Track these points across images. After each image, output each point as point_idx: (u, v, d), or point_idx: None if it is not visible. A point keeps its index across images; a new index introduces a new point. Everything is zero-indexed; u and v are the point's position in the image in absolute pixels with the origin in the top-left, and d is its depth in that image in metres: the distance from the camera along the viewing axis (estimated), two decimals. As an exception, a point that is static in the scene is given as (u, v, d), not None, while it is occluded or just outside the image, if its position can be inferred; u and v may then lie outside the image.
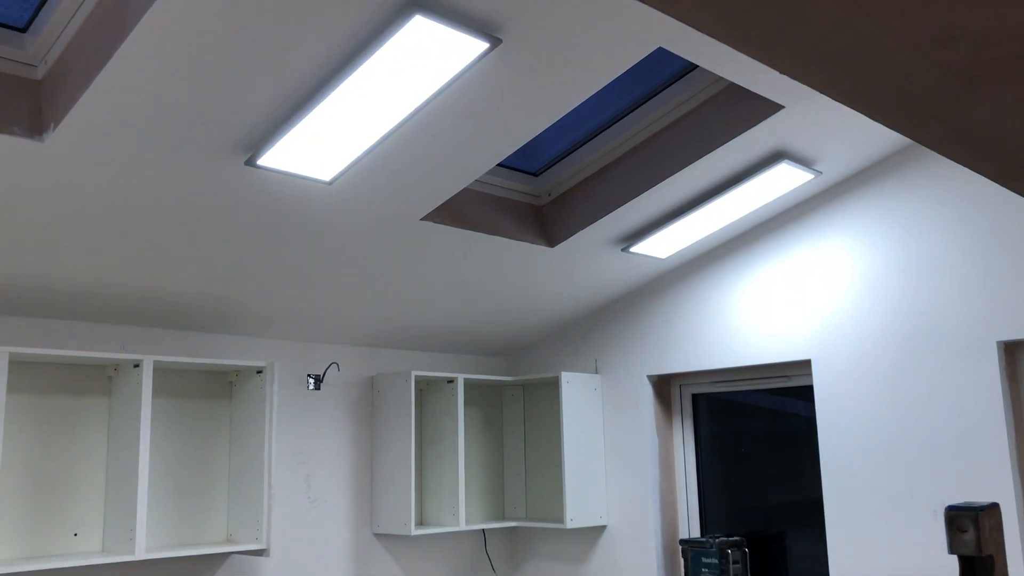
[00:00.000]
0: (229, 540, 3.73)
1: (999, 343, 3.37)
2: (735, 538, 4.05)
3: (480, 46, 2.33)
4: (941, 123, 1.14)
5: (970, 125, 1.14)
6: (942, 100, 1.06)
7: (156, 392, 3.62)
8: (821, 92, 1.05)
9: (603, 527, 4.49)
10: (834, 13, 0.82)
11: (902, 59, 0.94)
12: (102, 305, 3.36)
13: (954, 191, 3.53)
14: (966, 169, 2.90)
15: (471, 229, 3.47)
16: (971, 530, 1.00)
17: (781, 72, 0.98)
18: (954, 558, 2.96)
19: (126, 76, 2.23)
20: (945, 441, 3.45)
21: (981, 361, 3.38)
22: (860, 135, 3.44)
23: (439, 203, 3.20)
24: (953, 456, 3.42)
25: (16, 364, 3.29)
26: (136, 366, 3.35)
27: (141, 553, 3.21)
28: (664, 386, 4.51)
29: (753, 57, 0.91)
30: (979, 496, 3.34)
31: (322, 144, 2.63)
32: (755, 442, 4.29)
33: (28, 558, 3.18)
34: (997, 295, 3.37)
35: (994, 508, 1.08)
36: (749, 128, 3.19)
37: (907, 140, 3.66)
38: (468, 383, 4.65)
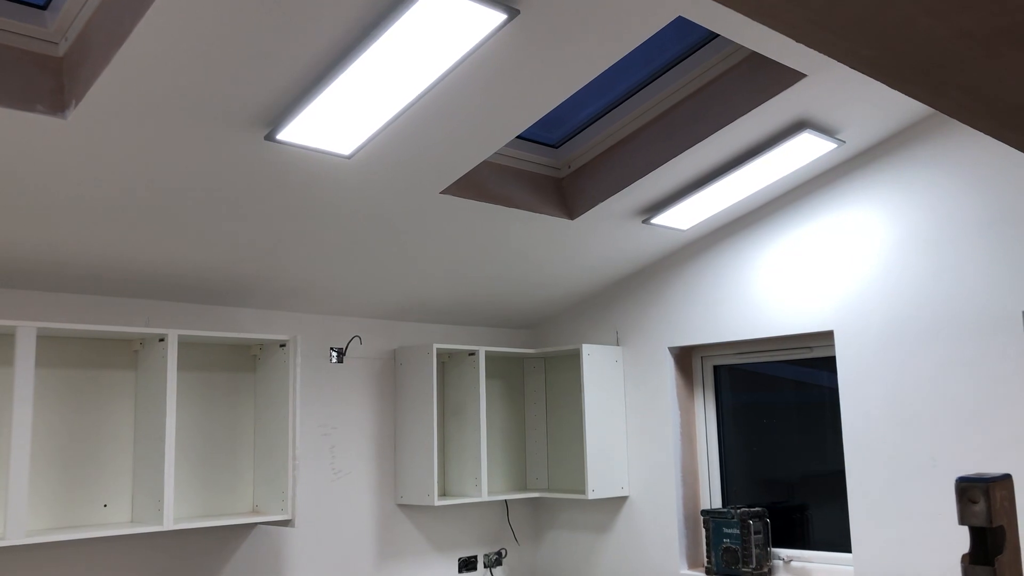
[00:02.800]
0: (255, 511, 3.79)
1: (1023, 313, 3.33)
2: (756, 509, 4.06)
3: (498, 17, 2.32)
4: (962, 91, 1.12)
5: (992, 93, 1.12)
6: (963, 67, 1.04)
7: (181, 365, 3.67)
8: (839, 61, 1.04)
9: (625, 498, 4.51)
10: (851, -20, 0.80)
11: (921, 25, 0.92)
12: (127, 280, 3.40)
13: (978, 160, 3.48)
14: (990, 138, 2.86)
15: (491, 202, 3.47)
16: (982, 501, 1.00)
17: (798, 41, 0.97)
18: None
19: (146, 52, 2.24)
20: (968, 412, 3.43)
21: (1005, 331, 3.36)
22: (884, 104, 3.40)
23: (458, 176, 3.20)
24: (975, 427, 3.40)
25: (44, 339, 3.34)
26: (161, 340, 3.39)
27: (169, 524, 3.27)
28: (685, 358, 4.51)
29: (769, 27, 0.90)
30: (1001, 467, 3.33)
31: (341, 118, 2.63)
32: (777, 413, 4.28)
33: (59, 528, 3.25)
34: (1021, 266, 3.34)
35: (1006, 479, 1.08)
36: (771, 97, 3.16)
37: (931, 109, 3.61)
38: (490, 355, 4.67)
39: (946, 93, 1.13)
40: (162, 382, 3.35)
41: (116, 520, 3.44)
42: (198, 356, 3.74)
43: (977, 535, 1.06)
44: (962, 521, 1.04)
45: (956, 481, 1.06)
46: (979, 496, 1.01)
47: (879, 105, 3.40)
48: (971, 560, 1.06)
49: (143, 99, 2.41)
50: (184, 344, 3.68)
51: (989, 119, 1.23)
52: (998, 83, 1.05)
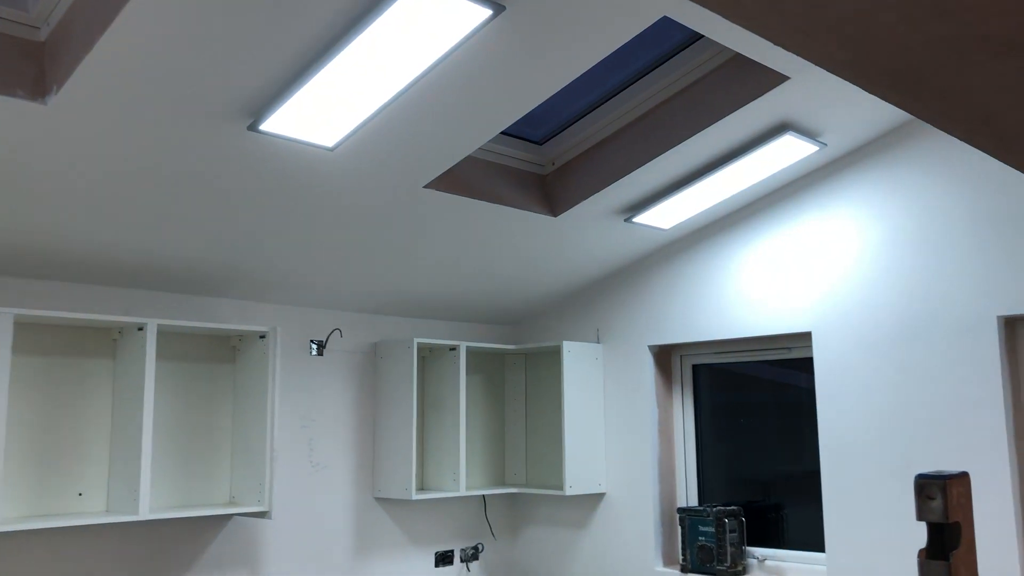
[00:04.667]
0: (232, 502, 3.78)
1: (999, 318, 3.37)
2: (732, 507, 4.09)
3: (483, 13, 2.32)
4: (938, 97, 1.14)
5: (966, 99, 1.14)
6: (938, 73, 1.06)
7: (160, 355, 3.66)
8: (817, 64, 1.05)
9: (602, 494, 4.53)
10: (827, -15, 0.81)
11: (898, 32, 0.94)
12: (107, 268, 3.38)
13: (958, 165, 3.52)
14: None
15: (474, 197, 3.47)
16: (939, 497, 1.03)
17: (776, 44, 0.98)
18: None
19: (129, 39, 2.23)
20: (943, 415, 3.46)
21: (981, 336, 3.39)
22: (866, 107, 3.43)
23: (442, 171, 3.20)
24: (951, 430, 3.44)
25: (21, 326, 3.32)
26: (140, 329, 3.38)
27: (145, 513, 3.25)
28: (665, 356, 4.53)
29: (747, 29, 0.92)
30: (975, 469, 3.37)
31: (325, 110, 2.63)
32: (754, 413, 4.31)
33: (33, 517, 3.23)
34: (998, 270, 3.38)
35: (963, 476, 1.10)
36: (754, 99, 3.18)
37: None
38: (470, 351, 4.68)
39: (921, 98, 1.14)
40: (140, 371, 3.34)
41: (91, 509, 3.42)
42: (177, 346, 3.72)
43: (934, 531, 1.08)
44: (920, 517, 1.06)
45: (915, 478, 1.08)
46: (936, 492, 1.04)
47: (861, 108, 3.43)
48: (928, 555, 1.08)
49: (125, 86, 2.40)
50: (163, 334, 3.67)
51: (964, 125, 1.24)
52: (972, 90, 1.06)
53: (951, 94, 1.09)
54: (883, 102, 3.40)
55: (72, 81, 2.34)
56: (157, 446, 3.62)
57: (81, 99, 2.42)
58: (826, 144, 3.64)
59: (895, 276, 3.64)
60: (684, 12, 2.55)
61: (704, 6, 0.80)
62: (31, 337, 3.35)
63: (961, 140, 1.25)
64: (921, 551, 1.04)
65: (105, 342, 3.52)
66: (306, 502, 4.05)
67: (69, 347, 3.44)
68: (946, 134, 3.69)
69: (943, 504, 1.01)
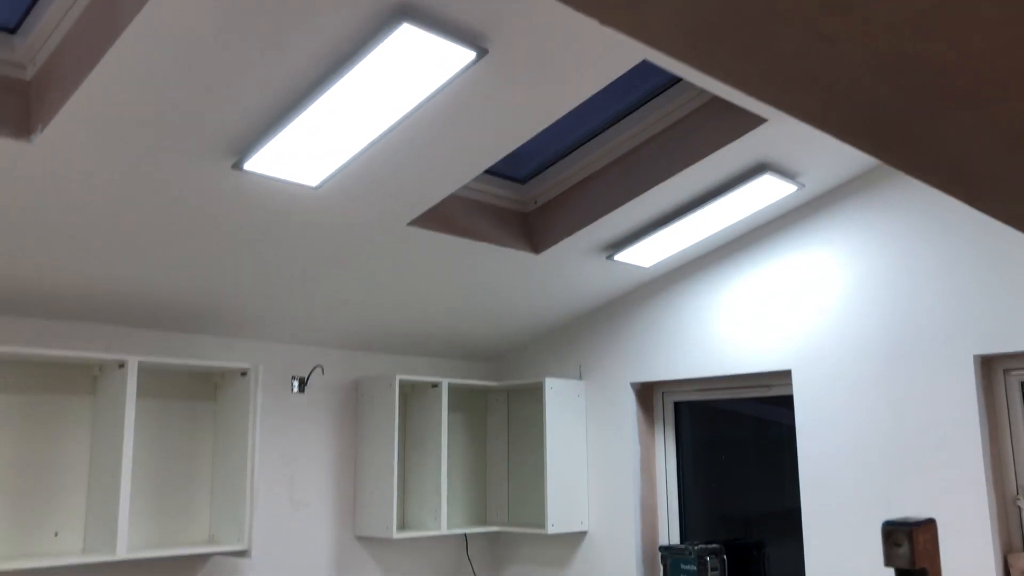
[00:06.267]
0: (211, 541, 3.74)
1: (976, 356, 3.41)
2: (714, 545, 4.08)
3: (467, 55, 2.36)
4: (907, 146, 1.17)
5: (935, 149, 1.17)
6: (906, 124, 1.09)
7: (140, 393, 3.63)
8: (788, 113, 1.08)
9: (584, 533, 4.51)
10: (797, 40, 0.85)
11: (865, 84, 0.97)
12: (88, 305, 3.37)
13: (934, 206, 3.58)
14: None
15: (457, 235, 3.49)
16: (905, 544, 1.05)
17: (748, 95, 1.01)
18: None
19: (115, 79, 2.24)
20: (922, 453, 3.49)
21: (958, 374, 3.43)
22: (842, 148, 3.49)
23: (426, 208, 3.22)
24: (929, 467, 3.46)
25: (0, 363, 3.29)
26: (121, 366, 3.36)
27: (123, 553, 3.21)
28: (647, 393, 4.54)
29: (720, 80, 0.94)
30: (953, 507, 3.38)
31: (309, 149, 2.65)
32: (736, 450, 4.32)
33: (7, 558, 3.18)
34: (974, 309, 3.42)
35: (929, 523, 1.12)
36: (732, 140, 3.23)
37: (889, 154, 3.70)
38: (452, 387, 4.67)
39: (892, 148, 1.17)
40: (120, 409, 3.31)
41: (68, 549, 3.38)
42: (158, 383, 3.70)
43: (901, 576, 1.10)
44: (887, 563, 1.07)
45: (882, 525, 1.09)
46: (903, 539, 1.06)
47: (837, 150, 3.49)
48: (896, 600, 1.10)
49: (110, 125, 2.42)
50: (144, 370, 3.65)
51: (936, 174, 1.27)
52: (943, 141, 1.10)
53: (922, 144, 1.12)
54: (859, 144, 3.46)
55: (58, 120, 2.35)
56: (136, 484, 3.59)
57: (66, 138, 2.43)
58: (804, 184, 3.69)
59: (873, 315, 3.68)
60: (663, 56, 2.60)
61: (684, 62, 0.83)
62: (11, 374, 3.32)
63: (935, 188, 1.28)
64: (891, 595, 1.06)
65: (85, 379, 3.50)
66: (286, 541, 4.02)
67: (49, 384, 3.41)
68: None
69: (910, 551, 1.03)
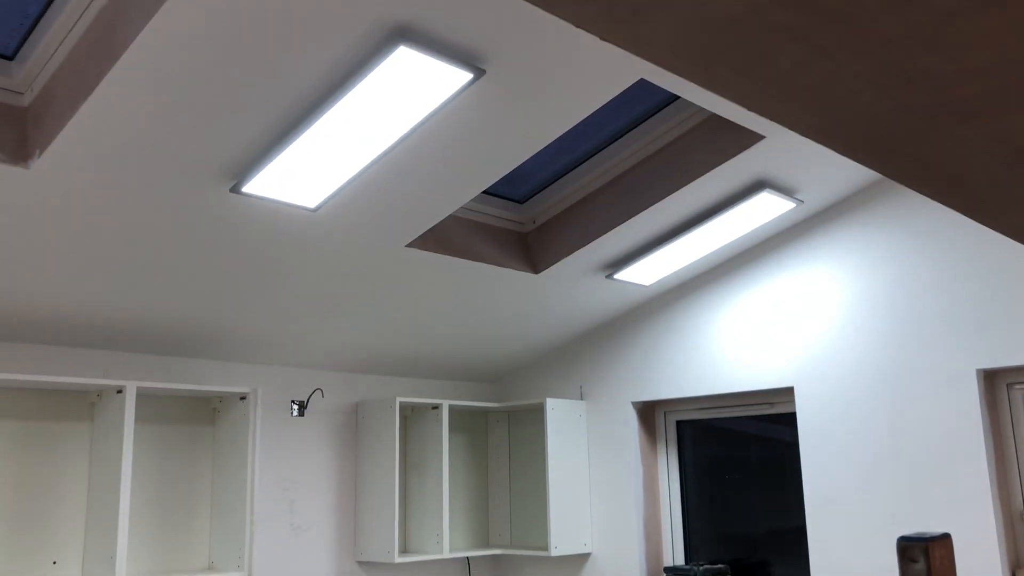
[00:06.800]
0: (211, 567, 3.70)
1: (979, 371, 3.40)
2: (719, 565, 4.04)
3: (464, 76, 2.36)
4: (908, 160, 1.17)
5: (938, 163, 1.17)
6: (907, 138, 1.08)
7: (139, 418, 3.61)
8: (789, 128, 1.08)
9: (587, 554, 4.48)
10: (797, 54, 0.84)
11: (866, 99, 0.97)
12: (86, 331, 3.36)
13: (935, 220, 3.58)
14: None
15: (456, 256, 3.49)
16: (921, 560, 1.03)
17: (749, 109, 1.01)
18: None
19: (113, 104, 2.24)
20: (926, 468, 3.47)
21: (961, 389, 3.41)
22: (841, 164, 3.49)
23: (424, 230, 3.22)
24: (934, 483, 3.44)
25: (-2, 389, 3.28)
26: (119, 392, 3.34)
27: (121, 581, 3.18)
28: (649, 412, 4.52)
29: (721, 95, 0.94)
30: (958, 523, 3.36)
31: (307, 172, 2.65)
32: (740, 468, 4.30)
33: (7, 586, 3.16)
34: (977, 323, 3.41)
35: (945, 539, 1.10)
36: (731, 157, 3.23)
37: (887, 170, 3.71)
38: (453, 409, 4.65)
39: (892, 161, 1.17)
40: (119, 435, 3.29)
41: (66, 577, 3.34)
42: (156, 408, 3.68)
43: (918, 593, 1.08)
44: (903, 579, 1.06)
45: (897, 540, 1.08)
46: (919, 555, 1.04)
47: (836, 166, 3.49)
48: (912, 617, 1.08)
49: (108, 150, 2.41)
50: (142, 396, 3.63)
51: (936, 188, 1.27)
52: (943, 155, 1.09)
53: (923, 158, 1.11)
54: (857, 160, 3.46)
55: (55, 145, 2.35)
56: (135, 510, 3.56)
57: (64, 163, 2.43)
58: (803, 201, 3.69)
59: (875, 330, 3.67)
60: (661, 74, 2.60)
61: (684, 77, 0.83)
62: (8, 401, 3.30)
63: (936, 201, 1.28)
64: (906, 613, 1.05)
65: (83, 405, 3.48)
66: (287, 566, 3.98)
67: (47, 411, 3.39)
68: (920, 190, 3.75)
69: (926, 566, 1.02)
